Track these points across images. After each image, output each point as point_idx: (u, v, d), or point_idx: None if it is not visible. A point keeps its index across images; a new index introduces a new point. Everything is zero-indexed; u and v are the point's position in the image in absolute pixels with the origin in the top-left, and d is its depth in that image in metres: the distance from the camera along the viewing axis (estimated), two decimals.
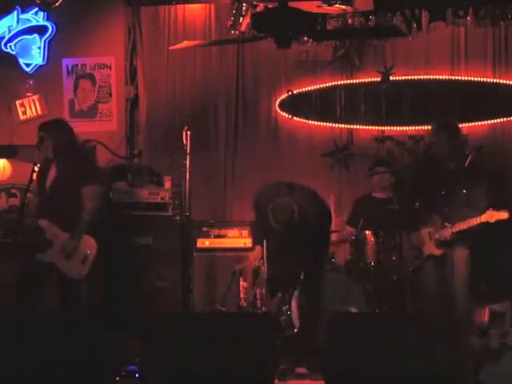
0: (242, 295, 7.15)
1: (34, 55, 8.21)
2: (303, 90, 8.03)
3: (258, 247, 6.05)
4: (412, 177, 6.43)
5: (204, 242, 7.44)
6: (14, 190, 7.83)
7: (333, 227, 7.41)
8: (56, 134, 6.21)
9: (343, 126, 8.06)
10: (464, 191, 5.93)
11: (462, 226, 5.88)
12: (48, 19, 8.16)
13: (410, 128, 7.91)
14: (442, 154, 6.06)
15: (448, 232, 5.93)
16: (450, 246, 5.99)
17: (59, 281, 6.15)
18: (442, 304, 5.95)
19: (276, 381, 5.09)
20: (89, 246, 6.12)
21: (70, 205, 6.07)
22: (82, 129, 7.84)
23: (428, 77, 7.86)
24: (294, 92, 7.96)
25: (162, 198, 7.17)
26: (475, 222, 5.85)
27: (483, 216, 5.81)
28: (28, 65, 8.22)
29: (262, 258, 5.94)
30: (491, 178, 6.26)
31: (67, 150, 6.20)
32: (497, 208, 5.78)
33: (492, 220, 5.79)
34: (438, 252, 6.02)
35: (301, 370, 5.68)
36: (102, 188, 6.26)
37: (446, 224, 5.94)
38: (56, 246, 6.06)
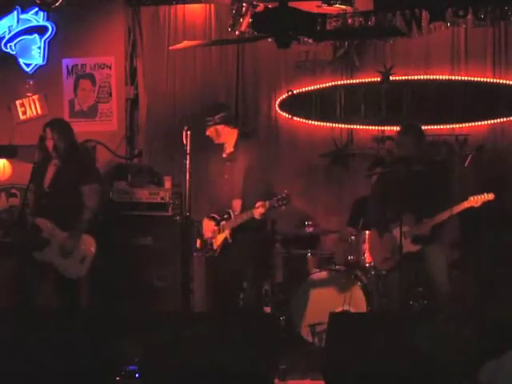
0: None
1: (34, 55, 8.21)
2: (303, 89, 8.03)
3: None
4: (381, 179, 6.44)
5: None
6: (14, 190, 7.84)
7: (333, 227, 7.46)
8: (61, 132, 6.23)
9: (343, 126, 8.06)
10: (431, 189, 6.03)
11: (444, 216, 5.95)
12: (48, 19, 8.16)
13: None
14: (405, 154, 6.12)
15: (427, 227, 6.00)
16: (427, 242, 6.05)
17: (57, 280, 6.15)
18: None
19: (276, 381, 5.08)
20: (88, 245, 6.12)
21: (69, 204, 6.07)
22: (82, 129, 7.86)
23: (428, 77, 7.86)
24: (294, 92, 7.96)
25: (162, 198, 7.17)
26: (459, 209, 5.94)
27: (466, 202, 5.92)
28: (28, 65, 8.22)
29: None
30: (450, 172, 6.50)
31: (69, 149, 6.21)
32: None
33: (477, 204, 5.89)
34: (414, 249, 6.05)
35: None
36: (101, 187, 6.27)
37: (424, 220, 5.99)
38: (54, 245, 6.06)
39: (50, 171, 6.22)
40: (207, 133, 6.10)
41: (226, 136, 6.06)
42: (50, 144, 6.19)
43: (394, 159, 6.26)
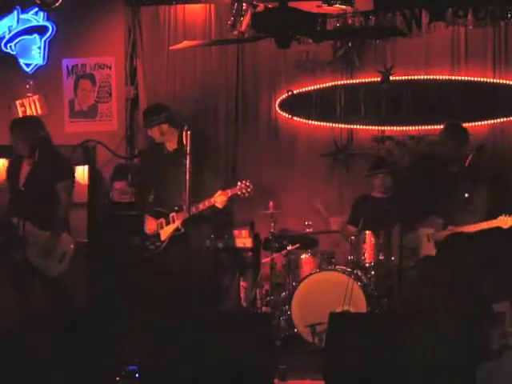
0: (242, 295, 7.17)
1: (34, 55, 8.21)
2: (303, 89, 8.03)
3: None
4: (411, 176, 6.40)
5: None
6: None
7: (333, 227, 7.46)
8: (34, 131, 6.18)
9: (343, 126, 8.06)
10: (466, 194, 5.90)
11: (469, 228, 5.85)
12: (48, 19, 8.16)
13: (410, 128, 7.91)
14: (446, 155, 6.05)
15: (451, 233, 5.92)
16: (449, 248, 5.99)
17: (39, 280, 6.10)
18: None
19: (276, 381, 5.09)
20: (66, 243, 6.09)
21: (44, 202, 6.03)
22: (82, 129, 7.88)
23: (428, 77, 7.86)
24: (294, 92, 7.96)
25: None
26: (486, 226, 5.81)
27: (496, 221, 5.78)
28: (28, 65, 8.22)
29: None
30: (493, 181, 6.24)
31: (43, 147, 6.15)
32: (500, 212, 5.75)
33: (506, 226, 5.75)
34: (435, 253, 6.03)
35: None
36: (73, 183, 6.26)
37: (450, 227, 5.93)
38: (32, 245, 5.99)
39: (25, 169, 6.17)
40: (149, 132, 6.18)
41: (170, 135, 6.13)
42: (23, 144, 6.14)
43: (429, 158, 6.18)
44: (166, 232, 6.04)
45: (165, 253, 6.06)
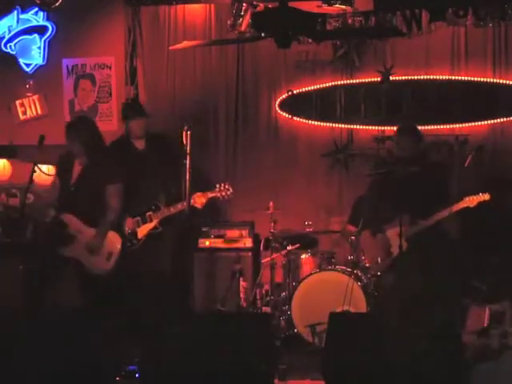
0: (242, 295, 7.17)
1: (34, 55, 8.21)
2: (303, 89, 8.03)
3: None
4: (377, 179, 6.42)
5: (204, 242, 7.45)
6: (14, 190, 7.82)
7: (333, 227, 7.46)
8: (87, 132, 6.22)
9: (343, 126, 8.06)
10: (427, 189, 6.01)
11: (438, 217, 5.94)
12: (48, 19, 8.17)
13: None
14: (403, 155, 6.11)
15: (422, 227, 6.01)
16: (423, 242, 6.04)
17: (84, 277, 6.16)
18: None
19: (276, 381, 5.09)
20: (114, 242, 6.14)
21: (93, 202, 6.10)
22: None
23: (428, 77, 7.86)
24: (294, 92, 7.96)
25: None
26: (454, 210, 5.93)
27: (462, 202, 5.93)
28: (28, 65, 8.22)
29: None
30: (448, 173, 6.51)
31: (96, 148, 6.20)
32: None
33: (473, 204, 5.89)
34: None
35: None
36: (123, 187, 6.28)
37: (420, 221, 5.98)
38: (79, 242, 6.08)
39: (77, 168, 6.22)
40: (132, 124, 6.38)
41: (145, 132, 6.36)
42: (70, 145, 6.19)
43: (392, 159, 6.26)
44: (142, 230, 6.21)
45: (141, 250, 6.24)
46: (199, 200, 6.02)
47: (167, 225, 6.22)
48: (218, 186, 6.07)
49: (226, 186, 6.06)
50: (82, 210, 6.12)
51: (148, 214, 6.20)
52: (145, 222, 6.24)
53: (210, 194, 6.08)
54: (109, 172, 6.17)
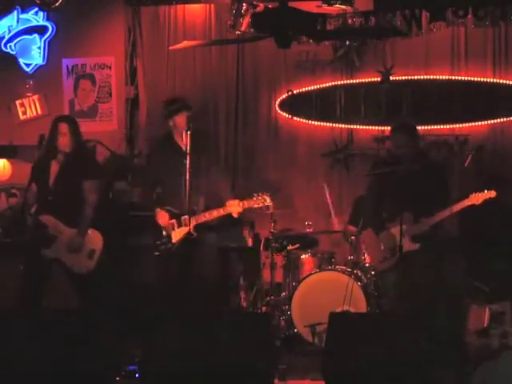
0: (241, 295, 7.17)
1: (34, 55, 8.21)
2: (303, 89, 8.04)
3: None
4: (377, 177, 6.40)
5: None
6: (14, 190, 7.82)
7: (334, 227, 7.46)
8: (76, 128, 6.22)
9: (343, 126, 8.06)
10: (429, 188, 5.96)
11: (443, 214, 5.92)
12: (48, 19, 8.17)
13: None
14: (401, 153, 6.10)
15: (425, 226, 5.96)
16: (427, 240, 6.02)
17: (69, 277, 6.16)
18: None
19: (276, 381, 5.09)
20: (95, 240, 6.13)
21: (73, 200, 6.08)
22: (82, 129, 7.79)
23: (428, 77, 7.87)
24: (294, 92, 7.96)
25: None
26: (460, 207, 5.89)
27: (467, 200, 5.88)
28: (28, 65, 8.22)
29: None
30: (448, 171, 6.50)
31: (78, 146, 6.20)
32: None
33: (478, 202, 5.85)
34: (415, 247, 6.03)
35: None
36: (101, 183, 6.27)
37: (423, 219, 5.97)
38: (60, 242, 6.06)
39: (54, 168, 6.21)
40: (177, 120, 6.00)
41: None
42: (64, 140, 6.13)
43: (391, 159, 6.24)
44: (177, 235, 5.91)
45: (175, 255, 5.91)
46: (235, 209, 5.69)
47: (203, 231, 5.85)
48: (255, 195, 5.71)
49: (265, 197, 5.69)
50: (62, 210, 6.06)
51: (183, 217, 5.83)
52: (180, 226, 5.90)
53: (247, 204, 5.71)
54: (84, 168, 6.15)
